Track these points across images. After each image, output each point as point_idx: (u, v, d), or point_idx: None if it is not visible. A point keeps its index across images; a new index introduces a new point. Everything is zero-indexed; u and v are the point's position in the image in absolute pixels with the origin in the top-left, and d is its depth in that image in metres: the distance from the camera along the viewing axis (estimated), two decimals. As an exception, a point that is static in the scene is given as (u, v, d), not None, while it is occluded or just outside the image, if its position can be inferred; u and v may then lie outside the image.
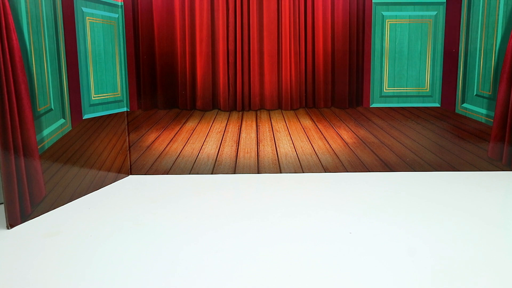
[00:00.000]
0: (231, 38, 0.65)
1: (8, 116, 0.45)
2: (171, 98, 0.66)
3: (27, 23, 0.47)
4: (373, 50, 0.65)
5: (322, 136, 0.67)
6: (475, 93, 0.66)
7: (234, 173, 0.67)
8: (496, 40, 0.64)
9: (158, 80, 0.66)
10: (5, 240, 0.43)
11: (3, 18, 0.44)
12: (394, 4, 0.65)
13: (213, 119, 0.67)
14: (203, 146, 0.67)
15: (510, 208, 0.52)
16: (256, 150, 0.67)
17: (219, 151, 0.67)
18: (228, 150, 0.67)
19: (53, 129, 0.52)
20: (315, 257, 0.38)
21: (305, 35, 0.65)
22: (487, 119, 0.66)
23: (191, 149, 0.67)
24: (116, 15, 0.63)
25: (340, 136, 0.67)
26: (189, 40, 0.65)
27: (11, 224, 0.46)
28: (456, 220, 0.47)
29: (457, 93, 0.66)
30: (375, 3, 0.65)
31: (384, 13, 0.65)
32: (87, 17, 0.57)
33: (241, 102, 0.67)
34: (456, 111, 0.67)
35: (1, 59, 0.44)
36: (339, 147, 0.67)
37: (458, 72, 0.66)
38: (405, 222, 0.46)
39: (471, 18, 0.65)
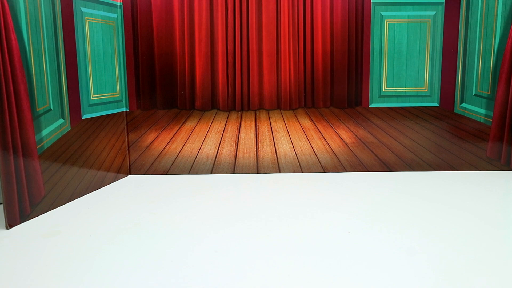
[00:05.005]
0: (230, 38, 0.65)
1: (7, 116, 0.45)
2: (170, 98, 0.66)
3: (26, 23, 0.47)
4: (372, 50, 0.65)
5: (321, 136, 0.67)
6: (474, 93, 0.66)
7: (233, 173, 0.67)
8: (494, 40, 0.64)
9: (157, 80, 0.66)
10: (4, 240, 0.43)
11: (2, 19, 0.44)
12: (393, 4, 0.65)
13: (212, 119, 0.67)
14: (202, 146, 0.67)
15: (509, 207, 0.52)
16: (255, 150, 0.67)
17: (218, 151, 0.67)
18: (227, 150, 0.67)
19: (52, 129, 0.52)
20: (314, 256, 0.38)
21: (304, 35, 0.65)
22: (486, 118, 0.66)
23: (190, 149, 0.67)
24: (115, 15, 0.63)
25: (339, 136, 0.67)
26: (188, 40, 0.65)
27: (10, 224, 0.46)
28: (455, 219, 0.47)
29: (456, 93, 0.66)
30: (373, 3, 0.65)
31: (383, 13, 0.65)
32: (86, 17, 0.57)
33: (240, 102, 0.67)
34: (455, 111, 0.67)
35: (0, 60, 0.44)
36: (338, 147, 0.67)
37: (457, 72, 0.66)
38: (404, 221, 0.46)
39: (469, 18, 0.65)
